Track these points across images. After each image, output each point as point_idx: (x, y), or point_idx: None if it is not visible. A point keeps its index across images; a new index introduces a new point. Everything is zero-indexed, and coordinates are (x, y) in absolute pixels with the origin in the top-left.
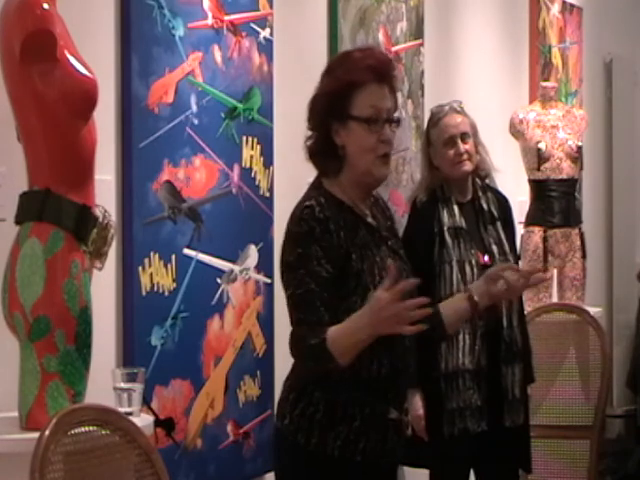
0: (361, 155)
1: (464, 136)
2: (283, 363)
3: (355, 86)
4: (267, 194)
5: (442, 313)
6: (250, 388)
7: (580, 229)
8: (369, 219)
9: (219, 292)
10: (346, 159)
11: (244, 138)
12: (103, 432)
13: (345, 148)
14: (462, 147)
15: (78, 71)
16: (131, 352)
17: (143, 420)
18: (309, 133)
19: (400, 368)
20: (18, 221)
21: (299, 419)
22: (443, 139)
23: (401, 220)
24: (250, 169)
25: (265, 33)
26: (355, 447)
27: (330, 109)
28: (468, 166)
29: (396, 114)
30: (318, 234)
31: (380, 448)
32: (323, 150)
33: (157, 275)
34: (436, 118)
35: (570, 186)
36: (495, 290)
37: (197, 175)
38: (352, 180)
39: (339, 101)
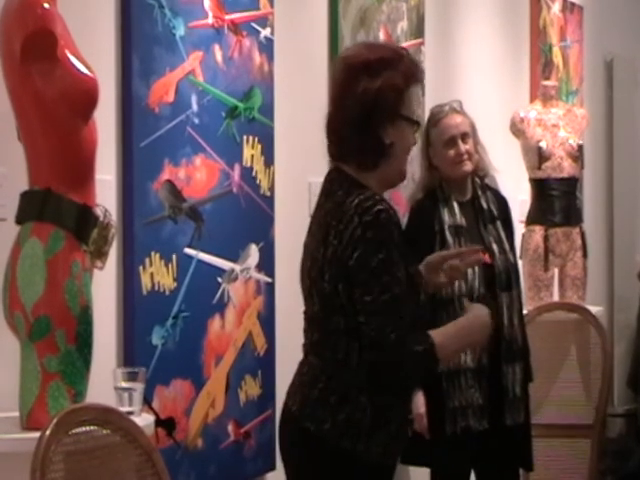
0: (403, 155)
1: (464, 136)
2: (284, 362)
3: (411, 84)
4: (268, 193)
5: None
6: (251, 388)
7: (581, 228)
8: None
9: (220, 291)
10: (390, 157)
11: (245, 137)
12: (104, 432)
13: (393, 146)
14: (462, 147)
15: (79, 70)
16: (132, 352)
17: (144, 420)
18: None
19: None
20: (19, 221)
21: (346, 424)
22: (444, 139)
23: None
24: (251, 168)
25: (266, 32)
26: (390, 451)
27: (398, 104)
28: (468, 166)
29: None
30: (396, 239)
31: (400, 449)
32: (368, 144)
33: (158, 275)
34: (436, 118)
35: (571, 185)
36: (437, 280)
37: (198, 174)
38: (385, 178)
39: (401, 97)
